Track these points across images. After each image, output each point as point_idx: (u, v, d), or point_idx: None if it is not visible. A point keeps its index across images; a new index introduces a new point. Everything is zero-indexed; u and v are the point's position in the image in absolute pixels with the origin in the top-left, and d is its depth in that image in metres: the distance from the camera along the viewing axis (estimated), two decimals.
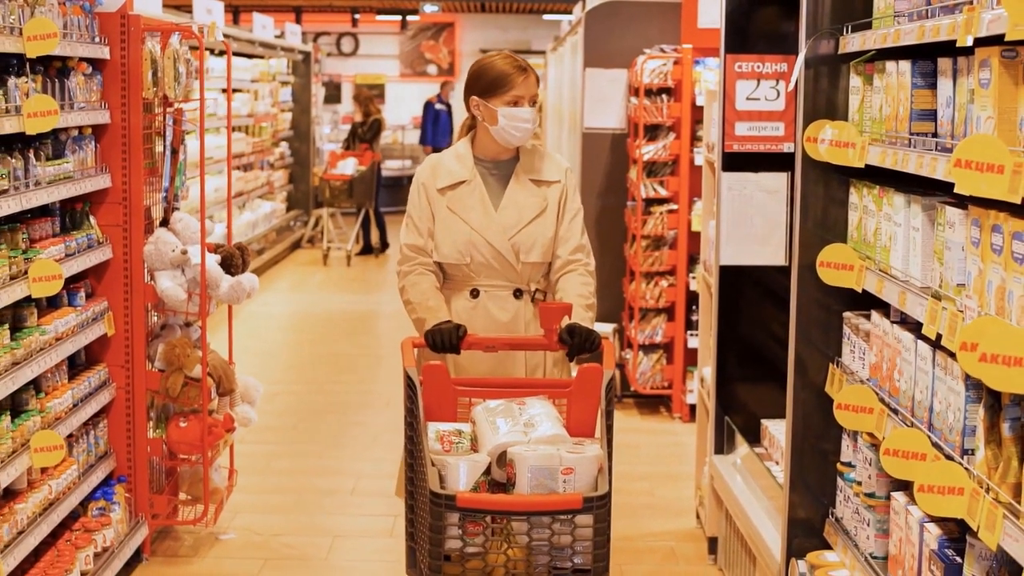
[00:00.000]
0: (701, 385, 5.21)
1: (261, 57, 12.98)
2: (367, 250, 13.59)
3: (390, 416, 6.76)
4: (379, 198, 13.73)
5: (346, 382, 7.89)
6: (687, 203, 6.85)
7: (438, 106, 17.07)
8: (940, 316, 2.57)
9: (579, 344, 3.42)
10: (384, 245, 13.68)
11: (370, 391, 7.60)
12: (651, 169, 6.97)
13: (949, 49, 2.62)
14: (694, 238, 6.63)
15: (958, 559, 2.60)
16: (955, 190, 2.34)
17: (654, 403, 7.15)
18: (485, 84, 3.66)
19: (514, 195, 3.71)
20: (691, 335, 6.83)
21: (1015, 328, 2.15)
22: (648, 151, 6.91)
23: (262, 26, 12.82)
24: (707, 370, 4.98)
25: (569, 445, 3.07)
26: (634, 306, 7.04)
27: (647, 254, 6.95)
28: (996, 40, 2.30)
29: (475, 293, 3.69)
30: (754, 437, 4.54)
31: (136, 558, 4.68)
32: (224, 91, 10.29)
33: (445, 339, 3.43)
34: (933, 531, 2.72)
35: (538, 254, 3.69)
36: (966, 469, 2.46)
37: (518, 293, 3.70)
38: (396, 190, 17.06)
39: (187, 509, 4.95)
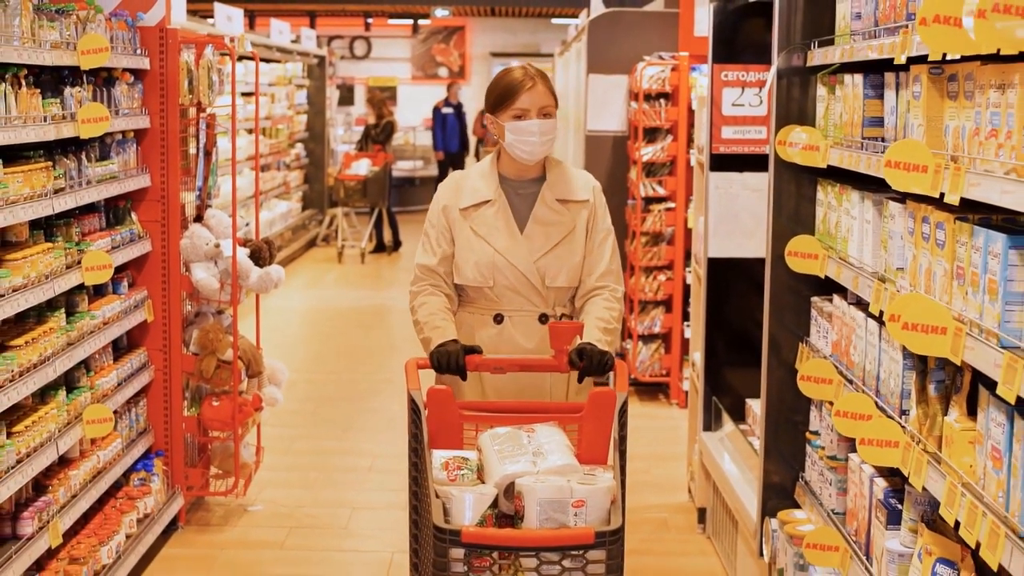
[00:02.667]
0: (692, 369, 5.62)
1: (278, 61, 13.41)
2: (380, 248, 14.01)
3: (403, 403, 7.16)
4: (391, 198, 14.14)
5: (361, 371, 8.31)
6: (684, 202, 7.26)
7: (445, 110, 17.27)
8: (883, 296, 2.97)
9: (589, 366, 3.26)
10: (397, 243, 14.10)
11: (383, 380, 8.02)
12: (650, 169, 7.39)
13: (894, 65, 3.03)
14: (690, 234, 7.03)
15: (899, 505, 3.00)
16: (891, 187, 2.75)
17: (653, 390, 7.56)
18: (494, 99, 3.52)
19: (540, 216, 3.54)
20: (687, 326, 7.23)
21: (931, 301, 2.56)
22: (647, 152, 7.33)
23: (279, 31, 13.26)
24: (697, 355, 5.39)
25: (580, 476, 2.92)
26: (634, 299, 7.45)
27: (646, 250, 7.37)
28: (925, 59, 2.70)
29: (499, 319, 3.53)
30: (739, 416, 4.96)
31: (172, 526, 5.11)
32: (244, 95, 10.75)
33: (450, 361, 3.28)
34: (880, 484, 3.13)
35: (565, 278, 3.53)
36: (901, 426, 2.87)
37: (543, 318, 3.53)
38: (407, 190, 17.49)
39: (218, 482, 5.37)
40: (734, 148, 4.98)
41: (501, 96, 3.51)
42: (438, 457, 2.99)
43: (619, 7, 8.75)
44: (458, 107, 17.48)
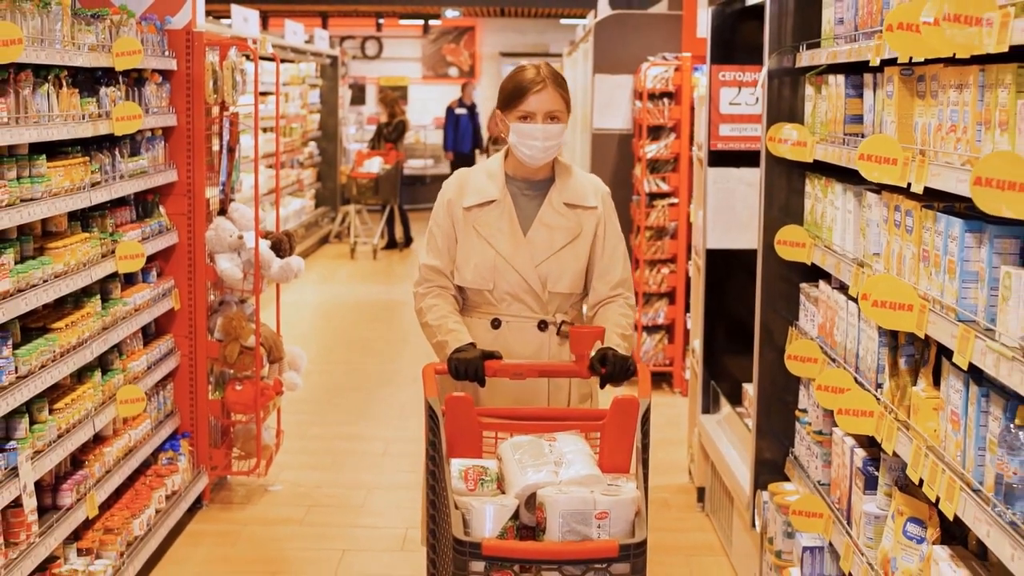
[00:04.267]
0: (692, 355, 5.88)
1: (292, 62, 13.69)
2: (392, 244, 14.28)
3: (414, 392, 7.45)
4: (402, 195, 14.40)
5: (374, 362, 8.59)
6: (687, 197, 7.52)
7: (458, 110, 17.16)
8: (860, 279, 3.23)
9: (611, 372, 3.20)
10: (408, 240, 14.37)
11: (395, 370, 8.29)
12: (654, 166, 7.65)
13: (872, 67, 3.28)
14: (692, 228, 7.29)
15: (875, 472, 3.26)
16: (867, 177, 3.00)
17: (657, 379, 7.81)
18: (503, 96, 3.45)
19: (546, 219, 3.45)
20: (690, 317, 7.49)
21: (898, 281, 2.82)
22: (651, 150, 7.59)
23: (293, 32, 13.53)
24: (697, 342, 5.64)
25: (603, 486, 2.84)
26: (638, 291, 7.71)
27: (650, 244, 7.63)
28: (896, 61, 2.95)
29: (496, 323, 3.44)
30: (736, 399, 5.22)
31: (198, 503, 5.38)
32: (263, 94, 11.01)
33: (469, 367, 3.20)
34: (859, 453, 3.38)
35: (567, 284, 3.44)
36: (876, 398, 3.13)
37: (543, 325, 3.44)
38: (418, 188, 17.75)
39: (241, 462, 5.65)
40: (731, 145, 5.24)
41: (510, 95, 3.42)
42: (457, 466, 2.91)
43: (627, 8, 9.03)
44: (471, 107, 17.36)
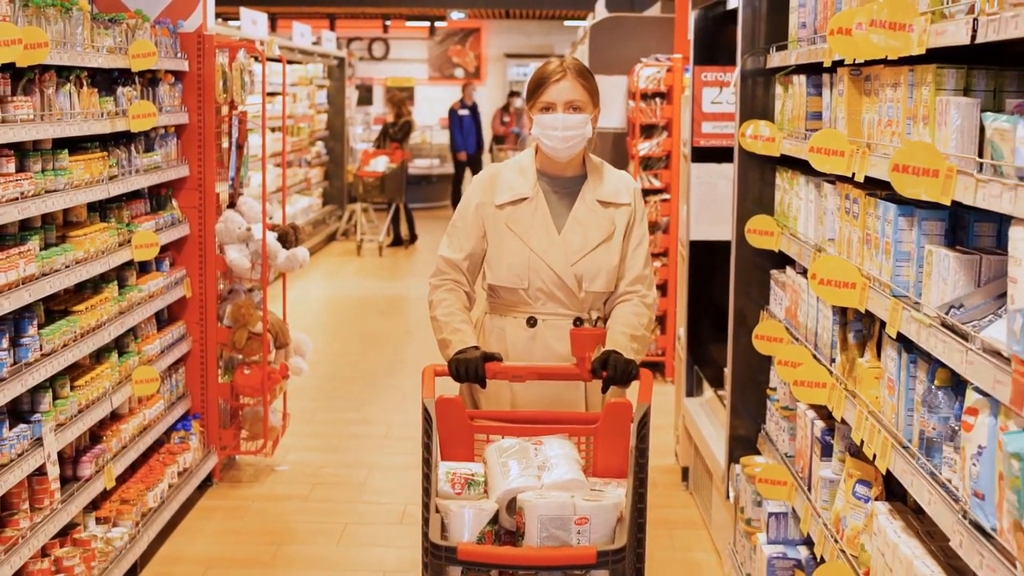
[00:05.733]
0: (678, 342, 6.16)
1: (299, 63, 14.00)
2: (397, 242, 14.58)
3: (417, 381, 7.71)
4: (407, 194, 14.69)
5: (378, 353, 8.88)
6: (677, 193, 7.79)
7: (461, 111, 17.30)
8: (817, 263, 3.51)
9: (612, 376, 3.15)
10: (413, 237, 14.66)
11: (399, 360, 8.58)
12: (647, 163, 7.94)
13: (827, 67, 3.57)
14: None
15: (831, 441, 3.54)
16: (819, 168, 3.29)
17: (649, 369, 8.07)
18: (528, 91, 3.44)
19: (579, 217, 3.41)
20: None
21: (843, 261, 3.11)
22: (644, 148, 7.87)
23: (300, 34, 13.84)
24: (681, 329, 5.93)
25: (586, 491, 2.81)
26: None
27: None
28: (843, 63, 3.24)
29: (532, 322, 3.40)
30: (719, 383, 5.49)
31: (207, 481, 5.68)
32: (270, 95, 11.32)
33: (469, 369, 3.16)
34: (819, 424, 3.66)
35: (602, 282, 3.40)
36: (829, 371, 3.41)
37: (578, 322, 3.40)
38: (423, 187, 18.04)
39: (249, 443, 5.94)
40: (713, 142, 5.52)
41: (532, 87, 3.40)
42: (444, 469, 2.89)
43: (627, 11, 9.31)
44: (473, 108, 17.59)
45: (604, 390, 3.18)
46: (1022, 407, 1.98)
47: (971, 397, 2.27)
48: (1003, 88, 2.55)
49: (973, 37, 2.25)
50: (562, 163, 3.42)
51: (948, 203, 2.40)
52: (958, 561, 2.52)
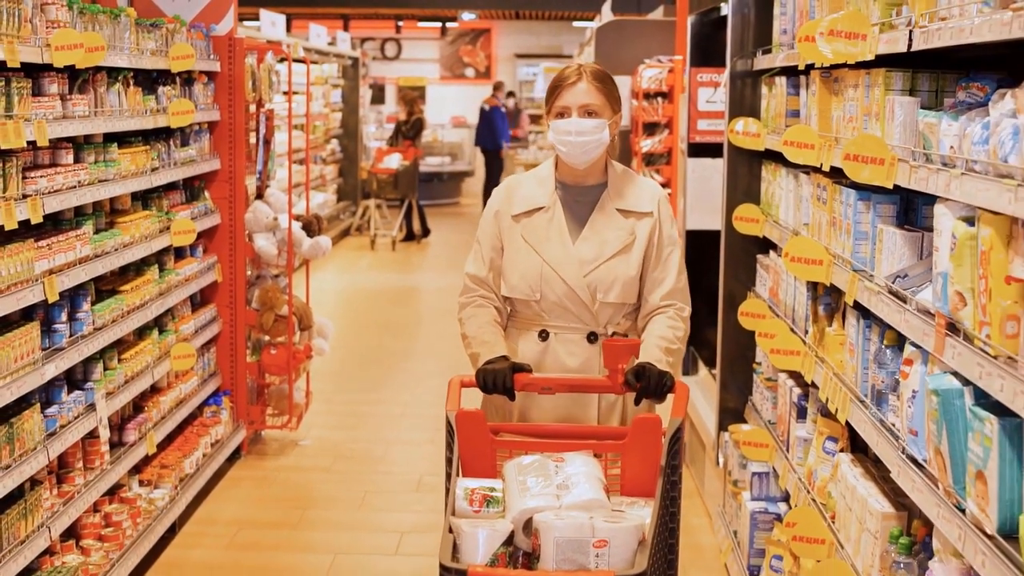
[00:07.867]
0: None
1: (315, 63, 14.42)
2: (410, 237, 15.00)
3: (430, 364, 8.17)
4: (419, 190, 15.10)
5: (393, 340, 9.31)
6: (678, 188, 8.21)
7: (496, 105, 17.53)
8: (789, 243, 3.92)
9: (646, 388, 2.99)
10: (425, 232, 15.08)
11: (413, 346, 9.01)
12: (649, 159, 8.35)
13: (801, 70, 3.97)
14: None
15: (806, 404, 3.95)
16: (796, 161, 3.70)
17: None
18: (545, 97, 3.33)
19: (597, 226, 3.27)
20: None
21: (812, 241, 3.52)
22: (646, 144, 8.28)
23: (316, 35, 14.26)
24: None
25: (606, 512, 2.67)
26: None
27: None
28: (814, 66, 3.65)
29: (544, 335, 3.28)
30: (713, 363, 5.88)
31: (236, 454, 6.10)
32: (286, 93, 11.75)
33: (497, 380, 3.03)
34: (796, 391, 4.07)
35: (617, 294, 3.24)
36: (802, 340, 3.82)
37: (592, 337, 3.26)
38: (435, 185, 18.46)
39: (274, 419, 6.37)
40: (707, 138, 5.93)
41: (548, 93, 3.31)
42: (463, 486, 2.77)
43: (633, 13, 9.71)
44: (500, 108, 17.76)
45: (637, 402, 3.04)
46: (942, 353, 2.39)
47: (908, 350, 2.68)
48: (943, 89, 2.95)
49: (909, 46, 2.65)
50: (581, 171, 3.29)
51: (891, 187, 2.81)
52: (906, 499, 2.92)
